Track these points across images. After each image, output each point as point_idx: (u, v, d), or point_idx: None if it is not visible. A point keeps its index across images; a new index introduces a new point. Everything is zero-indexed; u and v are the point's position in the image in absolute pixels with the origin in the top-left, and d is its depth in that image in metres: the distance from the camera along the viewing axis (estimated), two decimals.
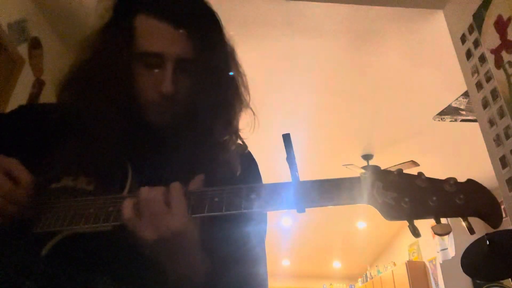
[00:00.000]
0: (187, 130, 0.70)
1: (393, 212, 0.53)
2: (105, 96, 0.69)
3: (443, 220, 0.53)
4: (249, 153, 0.83)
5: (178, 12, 0.71)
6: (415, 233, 0.53)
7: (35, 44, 2.64)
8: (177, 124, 0.71)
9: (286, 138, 0.57)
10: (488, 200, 0.53)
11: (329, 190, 0.56)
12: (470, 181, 0.54)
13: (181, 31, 0.70)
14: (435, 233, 0.53)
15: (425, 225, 0.62)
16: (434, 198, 0.53)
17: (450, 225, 0.52)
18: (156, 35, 0.70)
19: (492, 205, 0.52)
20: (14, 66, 2.44)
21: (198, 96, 0.71)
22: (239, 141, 0.80)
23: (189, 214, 0.57)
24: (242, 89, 0.78)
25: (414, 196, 0.54)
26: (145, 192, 0.56)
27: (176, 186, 0.57)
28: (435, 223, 0.53)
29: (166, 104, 0.70)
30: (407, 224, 0.53)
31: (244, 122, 0.80)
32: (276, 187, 0.58)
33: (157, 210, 0.55)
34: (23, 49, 2.51)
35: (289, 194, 0.57)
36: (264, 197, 0.57)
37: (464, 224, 0.53)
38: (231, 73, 0.77)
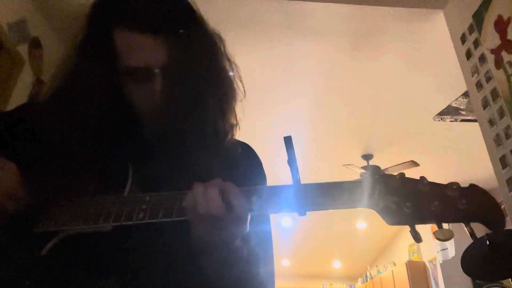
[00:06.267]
0: (185, 132, 0.69)
1: (394, 216, 0.53)
2: (91, 114, 0.68)
3: (445, 226, 0.52)
4: (252, 149, 0.83)
5: (154, 19, 0.68)
6: (417, 238, 0.52)
7: (35, 44, 2.64)
8: (174, 127, 0.70)
9: (288, 140, 0.57)
10: (490, 205, 0.52)
11: (330, 193, 0.55)
12: (472, 186, 0.53)
13: (160, 38, 0.68)
14: (437, 239, 0.52)
15: (425, 225, 0.62)
16: (436, 203, 0.52)
17: (452, 230, 0.51)
18: (137, 48, 0.68)
19: (495, 211, 0.51)
20: (14, 66, 2.44)
21: (192, 96, 0.70)
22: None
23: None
24: (236, 81, 0.77)
25: (416, 200, 0.53)
26: (200, 189, 0.54)
27: (231, 185, 0.56)
28: (437, 228, 0.52)
29: (161, 113, 0.69)
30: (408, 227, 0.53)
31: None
32: (277, 190, 0.57)
33: (218, 213, 0.53)
34: (23, 49, 2.51)
35: (290, 197, 0.56)
36: (264, 199, 0.56)
37: (466, 229, 0.52)
38: (231, 73, 0.77)
